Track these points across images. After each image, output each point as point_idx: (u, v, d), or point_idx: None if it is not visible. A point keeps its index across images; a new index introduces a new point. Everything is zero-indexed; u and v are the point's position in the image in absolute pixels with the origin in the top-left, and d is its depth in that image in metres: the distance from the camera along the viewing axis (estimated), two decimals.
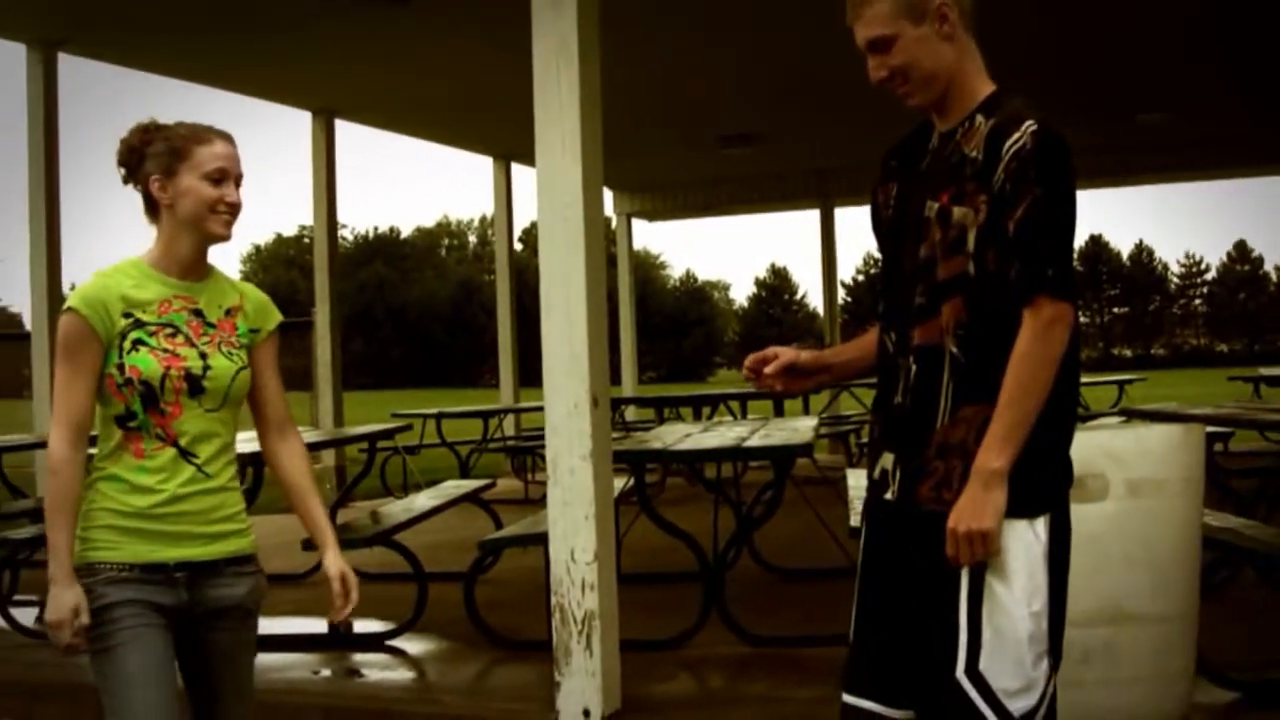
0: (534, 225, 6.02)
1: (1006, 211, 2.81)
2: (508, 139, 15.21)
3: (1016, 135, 2.82)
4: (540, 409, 5.67)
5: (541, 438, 5.90)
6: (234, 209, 3.30)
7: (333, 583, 3.38)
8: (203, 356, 3.26)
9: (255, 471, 6.77)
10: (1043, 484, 2.88)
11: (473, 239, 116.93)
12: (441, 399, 30.50)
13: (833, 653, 3.55)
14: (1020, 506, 2.83)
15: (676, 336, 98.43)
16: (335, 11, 9.88)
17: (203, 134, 3.29)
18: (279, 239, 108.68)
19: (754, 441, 7.22)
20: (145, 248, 3.34)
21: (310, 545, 3.61)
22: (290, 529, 3.53)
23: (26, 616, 7.51)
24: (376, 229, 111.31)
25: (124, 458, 3.22)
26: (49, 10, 9.89)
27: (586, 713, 5.29)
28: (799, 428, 8.12)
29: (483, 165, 16.99)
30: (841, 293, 32.17)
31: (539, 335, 5.43)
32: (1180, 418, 7.00)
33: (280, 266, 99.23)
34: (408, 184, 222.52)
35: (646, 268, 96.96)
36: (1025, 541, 2.85)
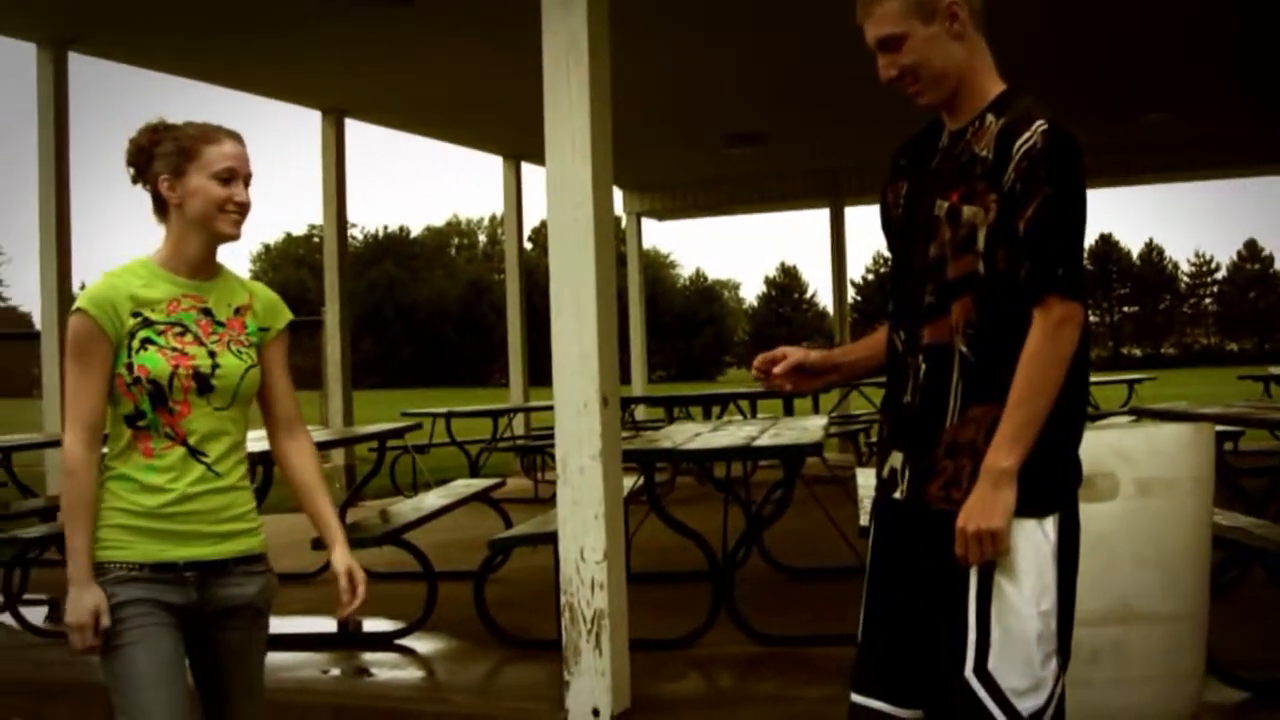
0: (544, 224, 6.03)
1: (1017, 211, 2.81)
2: (517, 138, 15.20)
3: (1027, 134, 2.82)
4: (550, 408, 5.67)
5: (551, 437, 5.90)
6: (243, 208, 3.30)
7: (340, 579, 3.39)
8: (211, 355, 3.26)
9: (265, 470, 6.76)
10: (1052, 483, 2.88)
11: (482, 238, 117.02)
12: (451, 398, 30.48)
13: (842, 652, 3.55)
14: (1029, 506, 2.83)
15: (686, 336, 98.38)
16: (345, 11, 9.87)
17: (211, 133, 3.29)
18: (289, 238, 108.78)
19: (764, 441, 7.22)
20: (154, 247, 3.35)
21: (320, 544, 3.62)
22: (300, 528, 3.53)
23: (37, 615, 7.52)
24: (386, 228, 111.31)
25: (133, 457, 3.22)
26: (59, 10, 9.90)
27: (596, 712, 5.29)
28: (809, 427, 8.11)
29: (492, 164, 17.03)
30: (851, 292, 32.21)
31: (549, 334, 5.43)
32: (1190, 417, 6.99)
33: (290, 266, 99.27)
34: (418, 183, 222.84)
35: (656, 267, 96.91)
36: (1034, 541, 2.84)
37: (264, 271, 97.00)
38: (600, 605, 5.28)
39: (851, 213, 20.07)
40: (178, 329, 3.25)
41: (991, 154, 2.87)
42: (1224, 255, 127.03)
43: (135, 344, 3.19)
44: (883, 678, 3.02)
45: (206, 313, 3.31)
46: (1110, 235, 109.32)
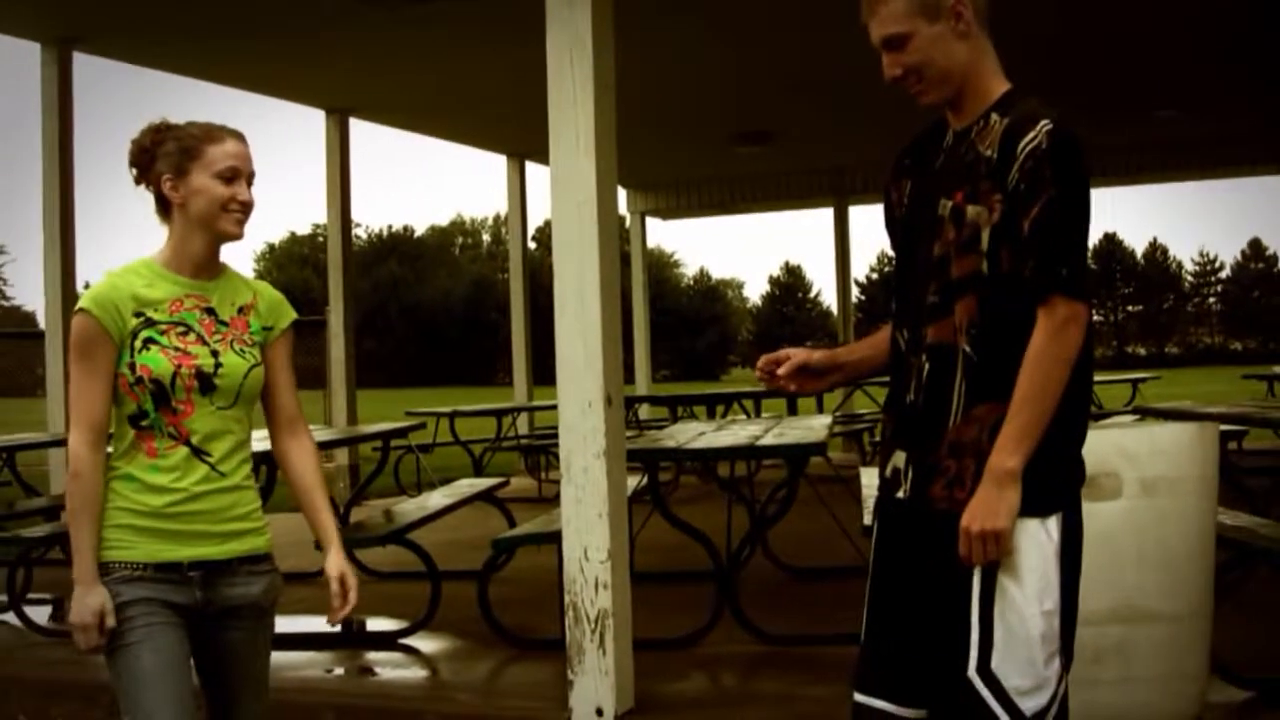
0: (548, 224, 6.03)
1: (1021, 211, 2.81)
2: (521, 137, 15.21)
3: (1032, 134, 2.81)
4: (554, 407, 5.66)
5: (555, 436, 5.90)
6: (246, 207, 3.30)
7: (332, 583, 3.39)
8: (214, 354, 3.26)
9: (270, 469, 6.77)
10: (1054, 483, 2.88)
11: (487, 237, 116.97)
12: (455, 397, 30.51)
13: (846, 651, 3.54)
14: (1032, 505, 2.82)
15: (690, 335, 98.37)
16: (348, 10, 9.88)
17: (214, 133, 3.29)
18: (293, 237, 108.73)
19: (768, 440, 7.22)
20: (157, 247, 3.35)
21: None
22: (305, 527, 3.53)
23: (41, 615, 7.53)
24: (391, 227, 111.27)
25: (137, 457, 3.22)
26: (64, 9, 9.91)
27: (600, 711, 5.28)
28: (813, 426, 8.11)
29: (497, 164, 17.02)
30: (855, 291, 32.18)
31: (553, 333, 5.42)
32: (1194, 416, 6.99)
33: (294, 265, 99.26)
34: (422, 183, 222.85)
35: (660, 266, 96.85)
36: (1037, 540, 2.84)
37: (268, 271, 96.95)
38: (604, 604, 5.28)
39: (856, 212, 20.12)
40: (180, 328, 3.25)
41: (996, 154, 2.86)
42: (1228, 254, 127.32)
43: (137, 344, 3.19)
44: (886, 677, 3.02)
45: (210, 312, 3.31)
46: (1114, 234, 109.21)
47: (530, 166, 16.93)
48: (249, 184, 3.32)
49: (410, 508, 8.32)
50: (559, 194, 5.43)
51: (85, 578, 3.15)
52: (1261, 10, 10.42)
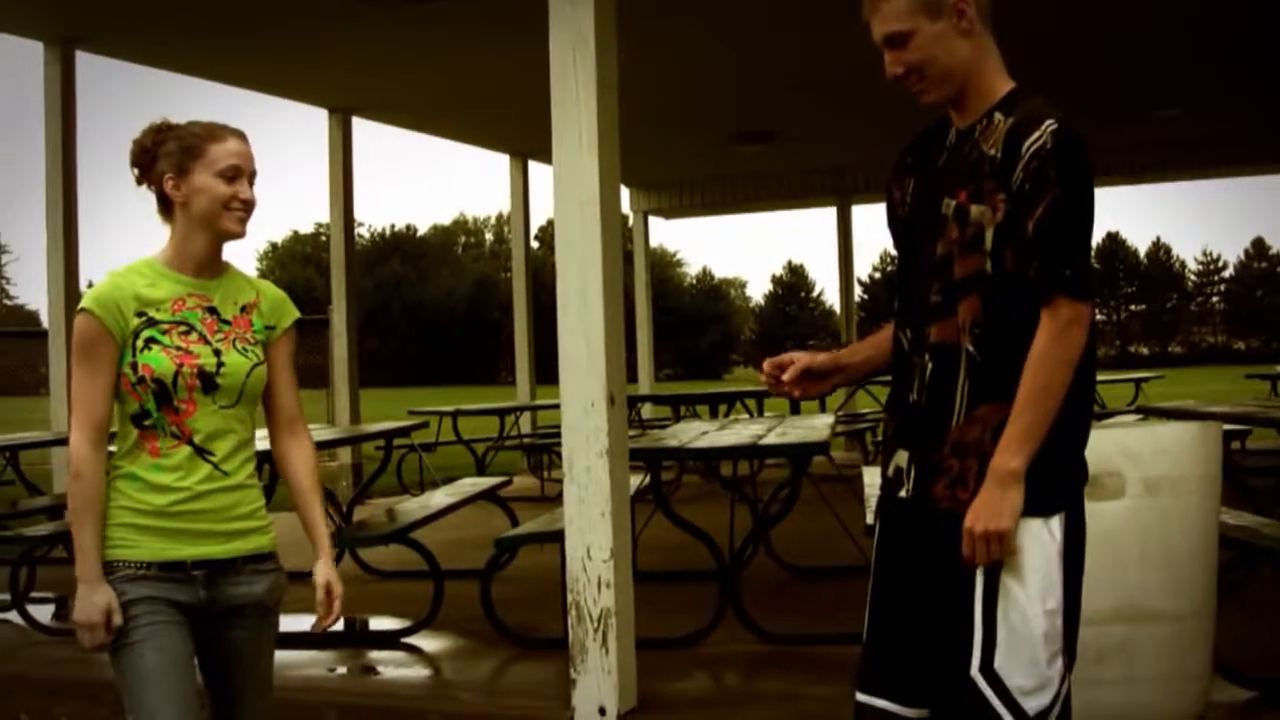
0: (551, 223, 6.02)
1: (1025, 211, 2.80)
2: (524, 136, 15.19)
3: (1036, 134, 2.81)
4: (556, 406, 5.66)
5: (558, 435, 5.90)
6: (248, 206, 3.30)
7: (318, 590, 3.41)
8: (217, 353, 3.26)
9: (273, 468, 6.76)
10: (1057, 483, 2.88)
11: (489, 236, 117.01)
12: (458, 396, 30.51)
13: (848, 651, 3.54)
14: (1035, 505, 2.82)
15: (693, 334, 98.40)
16: (350, 9, 9.88)
17: (216, 132, 3.29)
18: (295, 236, 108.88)
19: (770, 439, 7.22)
20: (160, 246, 3.35)
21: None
22: None
23: (44, 613, 7.54)
24: (393, 226, 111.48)
25: (140, 456, 3.22)
26: (66, 8, 9.91)
27: (602, 710, 5.28)
28: (816, 425, 8.10)
29: (499, 163, 17.03)
30: (858, 290, 32.16)
31: (555, 333, 5.42)
32: (1197, 415, 6.99)
33: (297, 264, 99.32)
34: (425, 182, 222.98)
35: (663, 265, 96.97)
36: (1040, 540, 2.84)
37: (271, 270, 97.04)
38: (607, 604, 5.28)
39: (859, 211, 20.09)
40: (183, 328, 3.24)
41: (1000, 153, 2.85)
42: (1231, 254, 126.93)
43: (139, 343, 3.19)
44: (888, 677, 3.02)
45: (212, 311, 3.31)
46: (1117, 234, 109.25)
47: (533, 165, 16.93)
48: (251, 183, 3.32)
49: (413, 507, 8.32)
50: (562, 193, 5.43)
51: (89, 576, 3.15)
52: (1261, 10, 10.42)
